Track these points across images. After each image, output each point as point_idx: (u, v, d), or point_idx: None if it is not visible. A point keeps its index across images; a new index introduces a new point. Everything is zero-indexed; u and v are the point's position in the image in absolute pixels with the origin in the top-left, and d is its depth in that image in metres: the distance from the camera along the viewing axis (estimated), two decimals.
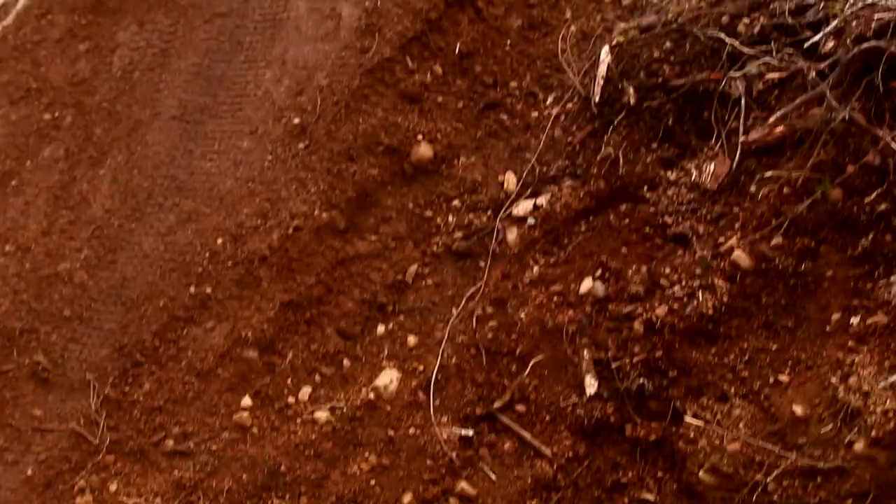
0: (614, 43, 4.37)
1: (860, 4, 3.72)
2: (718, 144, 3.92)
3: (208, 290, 4.20)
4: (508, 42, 4.58)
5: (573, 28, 4.60)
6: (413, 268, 4.17)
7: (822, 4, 3.89)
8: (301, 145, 4.40)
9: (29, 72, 5.15)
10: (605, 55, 4.34)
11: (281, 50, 4.70)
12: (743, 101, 3.88)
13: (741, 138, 3.83)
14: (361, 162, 4.31)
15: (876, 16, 3.61)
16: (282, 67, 4.64)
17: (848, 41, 3.66)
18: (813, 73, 3.64)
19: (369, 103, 4.41)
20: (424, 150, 4.32)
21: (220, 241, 4.30)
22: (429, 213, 4.26)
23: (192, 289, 4.23)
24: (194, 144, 4.62)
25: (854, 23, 3.70)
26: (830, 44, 3.74)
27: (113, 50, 5.07)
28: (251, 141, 4.50)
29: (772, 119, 3.70)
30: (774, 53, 3.80)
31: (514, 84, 4.50)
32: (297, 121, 4.45)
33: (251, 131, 4.53)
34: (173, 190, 4.54)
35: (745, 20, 4.05)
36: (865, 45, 3.55)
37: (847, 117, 3.55)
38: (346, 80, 4.46)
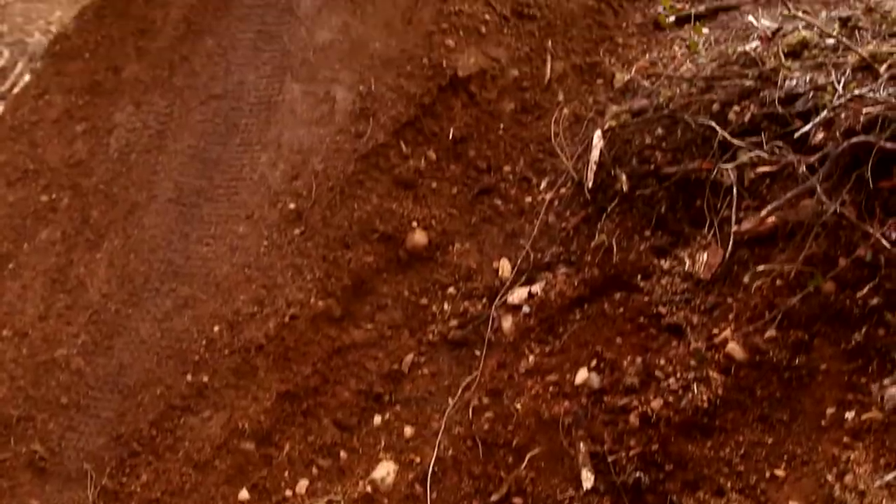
0: (606, 127, 4.41)
1: (849, 95, 3.76)
2: (711, 233, 3.94)
3: (205, 378, 4.21)
4: (501, 126, 4.61)
5: (566, 111, 4.65)
6: (409, 357, 4.19)
7: (811, 94, 3.93)
8: (297, 231, 4.42)
9: (26, 153, 5.18)
10: (597, 140, 4.38)
11: (276, 133, 4.73)
12: (735, 191, 3.90)
13: (733, 228, 3.85)
14: (357, 249, 4.34)
15: (864, 109, 3.65)
16: (277, 151, 4.67)
17: (837, 133, 3.69)
18: (803, 167, 3.67)
19: (364, 189, 4.44)
20: (419, 237, 4.34)
21: (216, 328, 4.31)
22: (424, 300, 4.28)
23: (189, 377, 4.24)
24: (190, 228, 4.65)
25: (843, 114, 3.74)
26: (820, 135, 3.77)
27: (110, 131, 5.11)
28: (247, 226, 4.53)
29: (763, 212, 3.73)
30: (765, 145, 3.83)
31: (507, 168, 4.54)
32: (292, 206, 4.48)
33: (247, 216, 4.56)
34: (170, 275, 4.55)
35: (736, 108, 4.09)
36: (854, 139, 3.59)
37: (837, 211, 3.58)
38: (341, 166, 4.49)
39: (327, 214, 4.40)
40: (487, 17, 4.71)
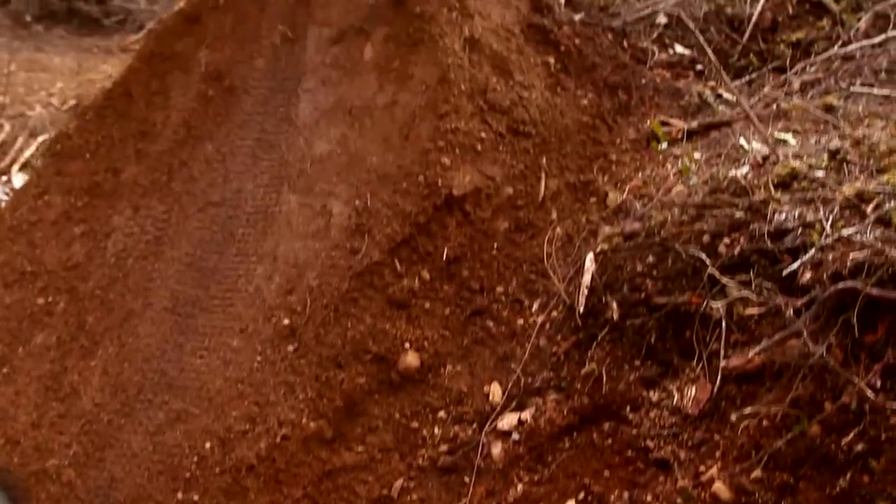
0: (599, 250, 4.47)
1: (836, 235, 3.82)
2: (700, 367, 3.98)
3: (195, 497, 4.23)
4: (495, 245, 4.66)
5: (559, 230, 4.70)
6: (399, 482, 4.20)
7: (800, 230, 3.99)
8: (290, 348, 4.46)
9: (24, 253, 5.23)
10: (589, 263, 4.43)
11: (272, 245, 4.78)
12: (724, 324, 3.95)
13: (722, 363, 3.90)
14: (349, 370, 4.37)
15: (851, 255, 3.71)
16: (273, 264, 4.71)
17: (825, 276, 3.75)
18: (790, 311, 3.72)
19: (358, 307, 4.48)
20: (411, 358, 4.38)
21: (208, 444, 4.33)
22: (415, 424, 4.31)
23: (180, 495, 4.25)
24: (185, 339, 4.68)
25: (831, 255, 3.79)
26: (808, 275, 3.83)
27: (108, 234, 5.16)
28: (241, 339, 4.56)
29: (751, 353, 3.78)
30: (753, 285, 3.88)
31: (500, 289, 4.58)
32: (286, 322, 4.52)
33: (241, 329, 4.59)
34: (163, 386, 4.58)
35: (726, 240, 4.15)
36: (841, 284, 3.64)
37: (823, 355, 3.62)
38: (335, 283, 4.53)
39: (321, 332, 4.44)
40: (483, 134, 4.78)
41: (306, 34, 5.23)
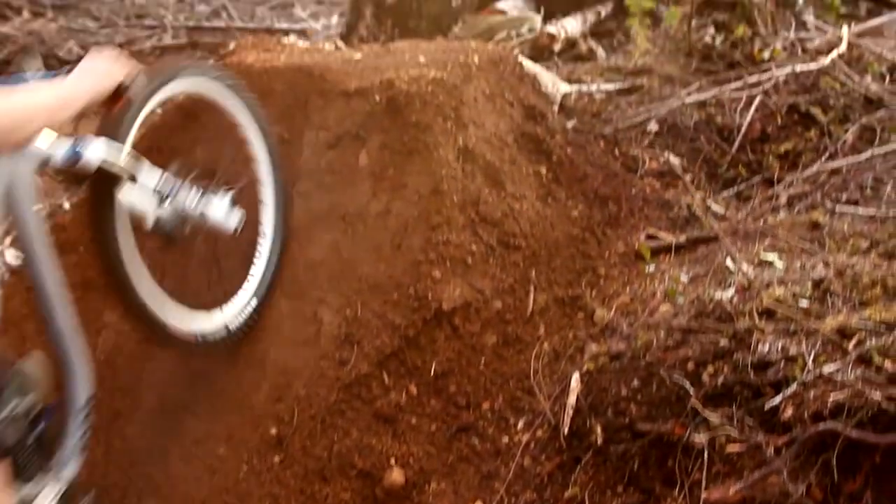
0: (585, 370, 4.52)
1: (818, 372, 3.88)
2: (682, 496, 4.02)
3: None
4: (483, 360, 4.70)
5: (546, 346, 4.75)
6: None
7: (782, 363, 4.06)
8: (276, 458, 4.48)
9: (14, 347, 5.23)
10: (574, 383, 4.47)
11: (262, 350, 4.81)
12: (706, 454, 4.00)
13: (703, 495, 3.94)
14: (335, 484, 4.39)
15: (832, 395, 3.77)
16: (262, 370, 4.74)
17: (806, 415, 3.81)
18: (771, 450, 3.78)
19: (345, 420, 4.51)
20: (396, 475, 4.40)
21: None
22: None
23: None
24: (171, 444, 4.70)
25: (812, 393, 3.86)
26: (790, 411, 3.89)
27: (99, 331, 5.18)
28: (227, 448, 4.58)
29: (731, 490, 3.83)
30: (735, 420, 3.94)
31: (486, 406, 4.62)
32: (273, 431, 4.54)
33: (228, 437, 4.62)
34: (148, 492, 4.60)
35: (710, 368, 4.20)
36: (822, 425, 3.70)
37: (803, 494, 3.68)
38: (323, 393, 4.56)
39: (307, 444, 4.47)
40: (474, 247, 4.83)
41: (303, 137, 5.30)
